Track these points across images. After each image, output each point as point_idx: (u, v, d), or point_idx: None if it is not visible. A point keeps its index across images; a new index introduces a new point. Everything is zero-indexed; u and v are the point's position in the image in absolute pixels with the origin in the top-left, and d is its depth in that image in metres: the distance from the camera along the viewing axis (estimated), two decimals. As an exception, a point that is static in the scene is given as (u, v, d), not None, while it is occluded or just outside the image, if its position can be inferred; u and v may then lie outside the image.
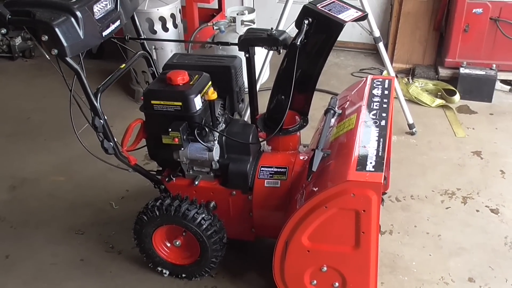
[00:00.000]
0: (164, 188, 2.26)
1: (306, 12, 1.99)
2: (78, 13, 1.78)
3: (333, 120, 2.18)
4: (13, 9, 1.77)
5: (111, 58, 4.27)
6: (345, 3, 2.10)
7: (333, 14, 1.98)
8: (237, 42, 2.17)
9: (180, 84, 2.03)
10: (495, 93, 3.76)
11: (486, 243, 2.51)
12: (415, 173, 3.02)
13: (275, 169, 2.15)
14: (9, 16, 1.76)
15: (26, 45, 4.61)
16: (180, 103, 2.00)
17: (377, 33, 3.13)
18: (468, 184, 2.91)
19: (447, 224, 2.63)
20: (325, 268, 1.93)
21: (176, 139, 2.00)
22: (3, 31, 1.78)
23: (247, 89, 2.31)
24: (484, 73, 3.73)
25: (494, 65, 3.75)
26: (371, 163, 1.74)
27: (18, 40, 4.55)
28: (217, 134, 2.10)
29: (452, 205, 2.76)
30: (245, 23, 3.70)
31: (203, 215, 2.13)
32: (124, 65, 2.14)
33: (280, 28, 3.03)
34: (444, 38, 3.98)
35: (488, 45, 3.75)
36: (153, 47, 3.57)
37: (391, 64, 3.44)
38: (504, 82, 3.86)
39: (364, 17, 2.09)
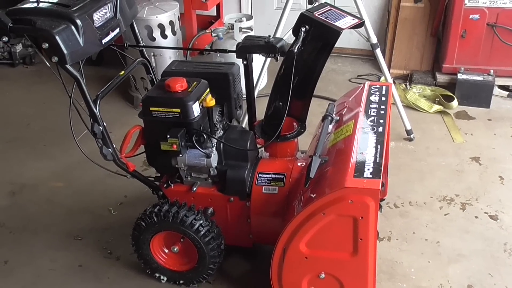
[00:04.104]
0: (162, 194, 2.27)
1: (303, 19, 2.00)
2: (78, 21, 1.81)
3: (330, 126, 2.18)
4: (15, 17, 1.79)
5: (111, 65, 4.29)
6: (341, 10, 2.11)
7: (329, 21, 1.99)
8: (235, 49, 2.18)
9: (179, 91, 2.04)
10: (493, 98, 3.76)
11: (485, 249, 2.51)
12: (413, 179, 3.02)
13: (273, 176, 2.16)
14: (11, 25, 1.78)
15: (26, 52, 4.63)
16: (178, 110, 2.01)
17: (374, 40, 3.14)
18: (466, 190, 2.91)
19: (446, 231, 2.63)
20: (323, 275, 1.92)
21: (175, 146, 2.01)
22: (5, 39, 1.80)
23: (245, 96, 2.33)
24: (482, 78, 3.74)
25: (492, 71, 3.76)
26: (368, 169, 1.75)
27: (19, 47, 4.58)
28: (215, 140, 2.11)
29: (451, 212, 2.76)
30: (243, 30, 3.71)
31: (201, 222, 2.13)
32: (123, 72, 2.15)
33: (278, 35, 3.04)
34: (442, 44, 4.00)
35: (486, 50, 3.77)
36: (152, 54, 3.58)
37: (389, 70, 3.44)
38: (502, 87, 3.86)
39: (360, 24, 2.11)
